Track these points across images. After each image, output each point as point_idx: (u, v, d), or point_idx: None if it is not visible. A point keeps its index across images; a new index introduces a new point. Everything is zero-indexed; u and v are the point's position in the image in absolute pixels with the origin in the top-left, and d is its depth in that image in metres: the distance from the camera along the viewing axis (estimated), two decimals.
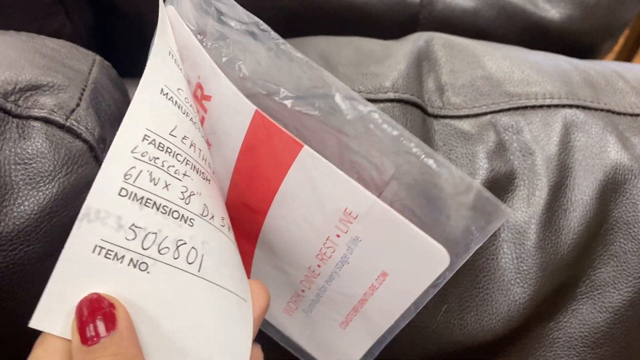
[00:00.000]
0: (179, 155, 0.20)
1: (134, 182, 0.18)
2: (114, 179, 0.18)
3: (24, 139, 0.24)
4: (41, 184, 0.24)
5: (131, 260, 0.18)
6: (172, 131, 0.20)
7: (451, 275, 0.21)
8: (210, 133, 0.23)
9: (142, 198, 0.18)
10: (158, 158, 0.19)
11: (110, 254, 0.18)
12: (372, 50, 0.33)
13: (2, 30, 0.30)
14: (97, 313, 0.17)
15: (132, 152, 0.19)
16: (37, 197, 0.24)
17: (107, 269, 0.18)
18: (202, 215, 0.20)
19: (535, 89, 0.31)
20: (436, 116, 0.30)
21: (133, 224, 0.18)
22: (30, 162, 0.24)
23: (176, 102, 0.21)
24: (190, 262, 0.19)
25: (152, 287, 0.19)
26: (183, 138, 0.20)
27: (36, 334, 0.26)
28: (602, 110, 0.32)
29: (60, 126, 0.25)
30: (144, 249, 0.18)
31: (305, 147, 0.21)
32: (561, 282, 0.30)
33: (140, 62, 0.43)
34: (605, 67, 0.35)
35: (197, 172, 0.20)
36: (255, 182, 0.23)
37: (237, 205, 0.23)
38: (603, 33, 0.49)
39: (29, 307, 0.25)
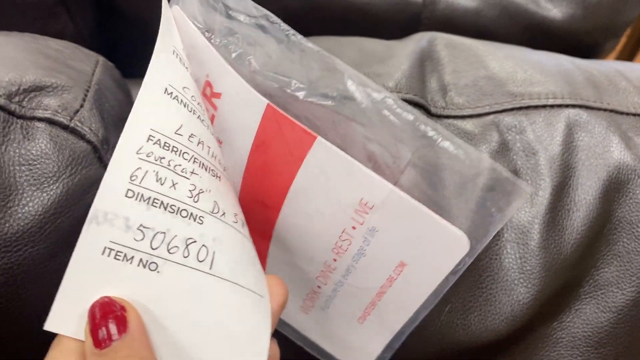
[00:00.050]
0: (185, 154, 0.20)
1: (140, 182, 0.18)
2: (120, 180, 0.18)
3: (28, 139, 0.24)
4: (45, 185, 0.24)
5: (140, 260, 0.18)
6: (177, 130, 0.20)
7: (471, 260, 0.21)
8: (221, 131, 0.23)
9: (149, 198, 0.19)
10: (164, 158, 0.19)
11: (119, 255, 0.18)
12: (374, 50, 0.33)
13: (4, 31, 0.30)
14: (108, 316, 0.17)
15: (137, 153, 0.19)
16: (42, 198, 0.24)
17: (117, 270, 0.18)
18: (212, 212, 0.20)
19: (538, 89, 0.31)
20: (439, 116, 0.30)
21: (141, 225, 0.18)
22: (35, 163, 0.24)
23: (181, 100, 0.20)
24: (200, 260, 0.19)
25: (162, 287, 0.19)
26: (190, 136, 0.20)
27: (39, 334, 0.26)
28: (605, 110, 0.31)
29: (64, 127, 0.25)
30: (153, 249, 0.19)
31: (319, 138, 0.20)
32: (564, 282, 0.30)
33: (142, 63, 0.43)
34: (608, 67, 0.35)
35: (206, 169, 0.20)
36: (268, 177, 0.22)
37: (250, 202, 0.23)
38: (605, 32, 0.49)
39: (33, 308, 0.25)
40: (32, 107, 0.25)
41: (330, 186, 0.21)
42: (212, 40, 0.22)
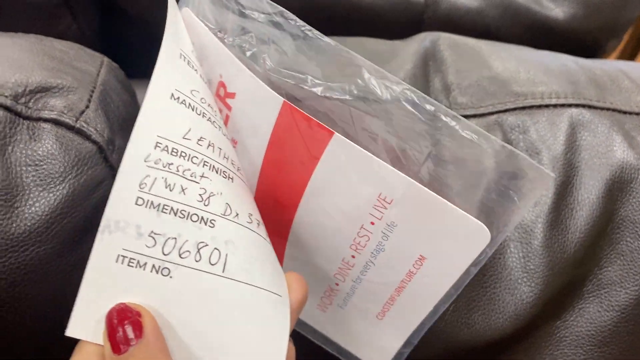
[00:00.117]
0: (194, 158, 0.20)
1: (149, 190, 0.19)
2: (130, 189, 0.19)
3: (35, 140, 0.24)
4: (52, 185, 0.24)
5: (153, 266, 0.19)
6: (185, 134, 0.20)
7: (492, 251, 0.21)
8: (236, 130, 0.23)
9: (159, 205, 0.19)
10: (172, 164, 0.19)
11: (132, 262, 0.19)
12: (378, 50, 0.33)
13: (9, 32, 0.30)
14: (124, 323, 0.18)
15: (145, 160, 0.19)
16: (48, 198, 0.24)
17: (131, 277, 0.19)
18: (224, 214, 0.20)
19: (541, 89, 0.32)
20: None
21: (152, 231, 0.19)
22: (41, 163, 0.24)
23: (189, 104, 0.20)
24: (213, 263, 0.19)
25: (176, 291, 0.19)
26: (199, 140, 0.20)
27: (44, 335, 0.26)
28: (608, 109, 0.32)
29: (70, 128, 0.25)
30: (165, 255, 0.19)
31: (336, 134, 0.20)
32: (568, 281, 0.30)
33: (146, 63, 0.43)
34: (611, 66, 0.35)
35: (217, 172, 0.20)
36: (284, 176, 0.22)
37: (267, 200, 0.22)
38: (607, 32, 0.49)
39: (40, 308, 0.25)
40: (38, 108, 0.25)
41: (348, 182, 0.21)
42: (225, 40, 0.22)
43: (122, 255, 0.19)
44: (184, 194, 0.19)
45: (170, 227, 0.19)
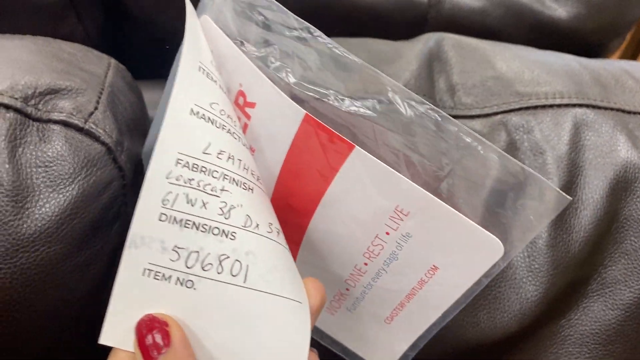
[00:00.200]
0: (215, 172, 0.20)
1: (172, 206, 0.19)
2: (153, 205, 0.19)
3: (44, 142, 0.25)
4: (61, 186, 0.24)
5: (178, 279, 0.20)
6: (205, 149, 0.20)
7: (505, 264, 0.22)
8: (254, 139, 0.23)
9: (182, 220, 0.20)
10: (193, 179, 0.20)
11: (158, 275, 0.20)
12: (382, 51, 0.33)
13: (16, 34, 0.31)
14: (153, 332, 0.19)
15: (167, 177, 0.19)
16: (58, 199, 0.24)
17: (157, 289, 0.20)
18: (244, 226, 0.20)
19: (545, 89, 0.32)
20: None
21: (175, 246, 0.20)
22: (51, 164, 0.24)
23: (209, 118, 0.21)
24: (234, 274, 0.20)
25: (200, 303, 0.20)
26: (219, 153, 0.21)
27: (52, 334, 0.26)
28: (612, 109, 0.32)
29: (79, 129, 0.25)
30: (188, 268, 0.20)
31: (357, 148, 0.21)
32: (572, 280, 0.30)
33: (150, 64, 0.43)
34: (615, 66, 0.35)
35: (237, 184, 0.21)
36: (301, 184, 0.23)
37: (282, 207, 0.23)
38: (610, 31, 0.49)
39: (50, 307, 0.25)
40: (48, 109, 0.25)
41: (366, 194, 0.21)
42: (247, 51, 0.22)
43: (148, 269, 0.19)
44: (205, 208, 0.20)
45: (193, 241, 0.20)
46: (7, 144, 0.24)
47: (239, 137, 0.22)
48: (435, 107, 0.20)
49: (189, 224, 0.20)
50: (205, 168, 0.20)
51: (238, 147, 0.22)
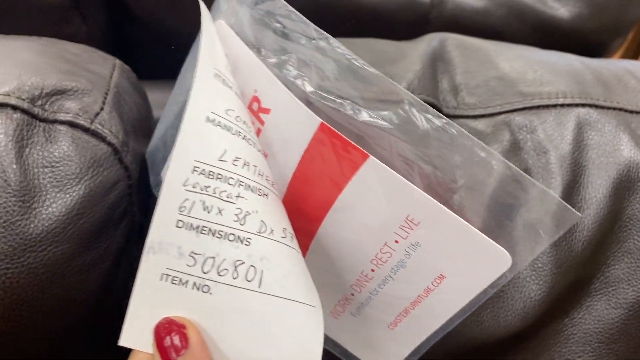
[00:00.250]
0: (230, 179, 0.21)
1: (188, 213, 0.20)
2: (171, 212, 0.20)
3: (51, 142, 0.25)
4: (68, 187, 0.24)
5: (194, 284, 0.20)
6: (221, 157, 0.21)
7: (512, 275, 0.22)
8: (267, 144, 0.23)
9: (198, 227, 0.20)
10: (209, 186, 0.20)
11: (175, 280, 0.20)
12: (386, 51, 0.33)
13: (21, 35, 0.31)
14: (171, 334, 0.20)
15: (183, 185, 0.20)
16: (65, 199, 0.24)
17: (175, 293, 0.20)
18: (259, 232, 0.21)
19: (548, 89, 0.32)
20: (451, 116, 0.31)
21: (192, 252, 0.20)
22: (58, 164, 0.25)
23: (224, 125, 0.21)
24: (249, 279, 0.21)
25: (215, 307, 0.21)
26: (234, 160, 0.21)
27: (60, 335, 0.26)
28: (614, 108, 0.32)
29: (85, 130, 0.26)
30: (204, 273, 0.20)
31: (371, 157, 0.21)
32: (576, 279, 0.30)
33: (154, 65, 0.43)
34: (617, 66, 0.35)
35: (252, 190, 0.21)
36: (313, 190, 0.23)
37: (292, 212, 0.23)
38: (612, 31, 0.49)
39: (57, 307, 0.25)
40: (54, 110, 0.25)
41: (377, 202, 0.22)
42: (264, 57, 0.22)
43: (165, 274, 0.20)
44: (221, 215, 0.20)
45: (209, 247, 0.20)
46: (14, 144, 0.24)
47: (254, 143, 0.22)
48: (451, 122, 0.21)
49: (205, 231, 0.20)
50: (221, 175, 0.20)
51: (253, 153, 0.22)
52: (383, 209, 0.22)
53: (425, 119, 0.21)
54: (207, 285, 0.20)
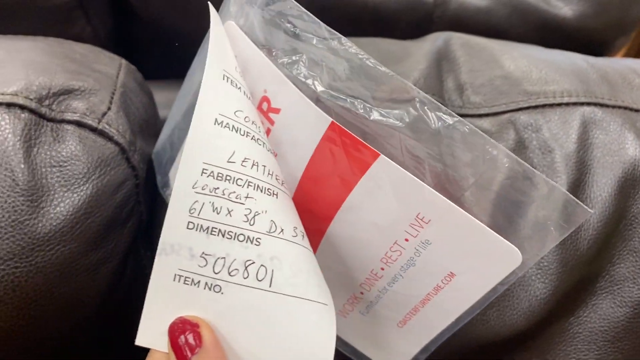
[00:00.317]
0: (239, 180, 0.21)
1: (198, 215, 0.20)
2: (181, 214, 0.20)
3: (59, 142, 0.25)
4: (76, 186, 0.25)
5: (206, 284, 0.21)
6: (230, 158, 0.21)
7: (522, 273, 0.22)
8: (277, 144, 0.23)
9: (208, 228, 0.20)
10: (218, 188, 0.20)
11: (188, 281, 0.21)
12: (391, 50, 0.33)
13: (28, 35, 0.31)
14: (185, 333, 0.20)
15: (193, 187, 0.20)
16: (72, 199, 0.24)
17: (187, 294, 0.21)
18: (269, 232, 0.21)
19: (553, 88, 0.32)
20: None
21: (203, 252, 0.20)
22: (65, 164, 0.25)
23: (233, 126, 0.21)
24: (260, 279, 0.21)
25: (227, 307, 0.21)
26: (243, 161, 0.21)
27: (66, 334, 0.27)
28: (619, 107, 0.32)
29: (93, 129, 0.26)
30: (216, 273, 0.21)
31: (382, 156, 0.21)
32: (581, 278, 0.30)
33: (159, 64, 0.43)
34: (622, 65, 0.35)
35: (261, 190, 0.21)
36: (322, 189, 0.23)
37: (301, 211, 0.23)
38: (615, 30, 0.49)
39: (65, 306, 0.25)
40: (62, 110, 0.26)
41: (388, 201, 0.22)
42: (274, 58, 0.22)
43: (178, 275, 0.20)
44: (230, 215, 0.21)
45: (219, 247, 0.21)
46: (22, 144, 0.24)
47: (264, 143, 0.22)
48: (462, 120, 0.21)
49: (215, 232, 0.20)
50: (230, 176, 0.21)
51: (262, 153, 0.22)
52: (393, 207, 0.22)
53: (436, 117, 0.21)
54: (218, 285, 0.21)
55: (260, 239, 0.21)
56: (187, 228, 0.20)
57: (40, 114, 0.25)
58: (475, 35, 0.36)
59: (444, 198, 0.21)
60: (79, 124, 0.25)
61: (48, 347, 0.27)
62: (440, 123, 0.21)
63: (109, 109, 0.27)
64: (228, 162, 0.21)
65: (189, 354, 0.20)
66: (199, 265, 0.20)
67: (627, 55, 0.95)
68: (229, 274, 0.21)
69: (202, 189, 0.20)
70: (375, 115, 0.21)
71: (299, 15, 0.22)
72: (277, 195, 0.22)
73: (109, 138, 0.26)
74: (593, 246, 0.30)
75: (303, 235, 0.22)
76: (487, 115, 0.31)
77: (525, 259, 0.22)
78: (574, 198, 0.21)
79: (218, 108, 0.21)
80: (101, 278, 0.26)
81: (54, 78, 0.26)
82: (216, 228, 0.20)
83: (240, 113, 0.22)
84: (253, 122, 0.22)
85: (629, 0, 0.48)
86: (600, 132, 0.31)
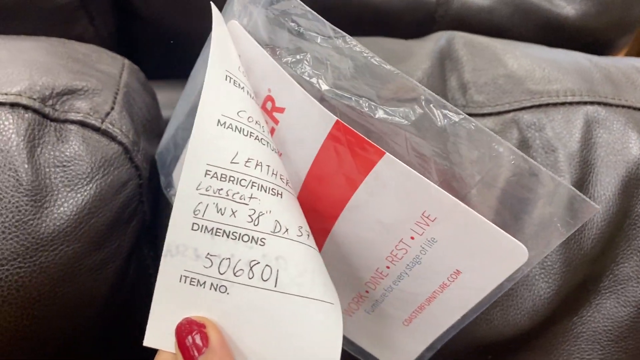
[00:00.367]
0: (242, 181, 0.21)
1: (203, 216, 0.20)
2: (186, 216, 0.20)
3: (62, 142, 0.25)
4: (79, 186, 0.25)
5: (212, 284, 0.21)
6: (233, 159, 0.21)
7: (528, 269, 0.22)
8: (281, 143, 0.23)
9: (213, 229, 0.20)
10: (222, 189, 0.21)
11: (194, 281, 0.21)
12: (394, 49, 0.33)
13: (31, 35, 0.31)
14: (191, 334, 0.20)
15: (197, 189, 0.20)
16: (76, 199, 0.24)
17: (194, 294, 0.21)
18: (273, 232, 0.21)
19: (556, 87, 0.32)
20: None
21: (208, 253, 0.21)
22: (69, 164, 0.25)
23: (236, 127, 0.21)
24: (265, 279, 0.21)
25: (233, 307, 0.21)
26: (246, 161, 0.21)
27: (69, 334, 0.27)
28: (623, 106, 0.32)
29: (96, 129, 0.26)
30: (221, 274, 0.21)
31: (387, 154, 0.21)
32: (584, 277, 0.30)
33: (161, 64, 0.43)
34: (624, 63, 0.35)
35: (265, 190, 0.21)
36: (327, 188, 0.23)
37: (306, 210, 0.23)
38: (618, 29, 0.49)
39: (68, 305, 0.25)
40: (65, 110, 0.26)
41: (393, 199, 0.21)
42: (278, 57, 0.22)
43: (184, 276, 0.21)
44: (235, 216, 0.21)
45: (224, 248, 0.21)
46: (25, 144, 0.24)
47: (268, 143, 0.22)
48: (468, 117, 0.21)
49: (219, 232, 0.21)
50: (234, 177, 0.21)
51: (266, 153, 0.22)
52: (399, 205, 0.22)
53: (442, 115, 0.21)
54: (224, 286, 0.21)
55: (264, 239, 0.21)
56: (192, 229, 0.20)
57: (43, 114, 0.25)
58: (478, 35, 0.36)
59: (450, 196, 0.21)
60: (82, 123, 0.25)
61: (51, 346, 0.27)
62: (446, 120, 0.21)
63: (112, 108, 0.27)
64: (231, 162, 0.21)
65: (196, 354, 0.20)
66: (205, 266, 0.21)
67: (630, 54, 0.95)
68: (234, 274, 0.21)
69: (206, 191, 0.20)
70: (380, 114, 0.21)
71: (303, 14, 0.22)
72: (281, 195, 0.22)
73: (113, 138, 0.26)
74: (597, 245, 0.30)
75: (308, 235, 0.22)
76: (490, 114, 0.31)
77: (531, 256, 0.22)
78: (580, 194, 0.21)
79: (220, 109, 0.21)
80: (104, 278, 0.26)
81: (57, 78, 0.26)
82: (221, 229, 0.21)
83: (243, 113, 0.22)
84: (257, 122, 0.22)
85: (631, 0, 0.48)
86: (603, 131, 0.31)
